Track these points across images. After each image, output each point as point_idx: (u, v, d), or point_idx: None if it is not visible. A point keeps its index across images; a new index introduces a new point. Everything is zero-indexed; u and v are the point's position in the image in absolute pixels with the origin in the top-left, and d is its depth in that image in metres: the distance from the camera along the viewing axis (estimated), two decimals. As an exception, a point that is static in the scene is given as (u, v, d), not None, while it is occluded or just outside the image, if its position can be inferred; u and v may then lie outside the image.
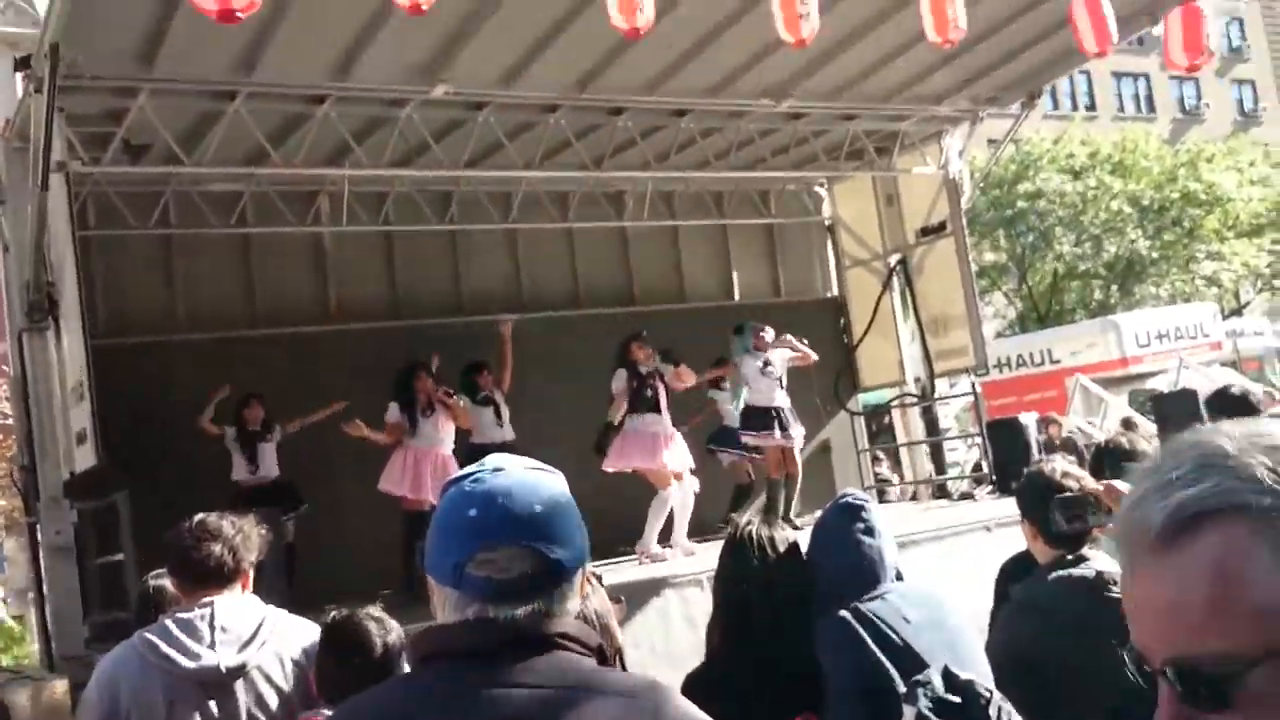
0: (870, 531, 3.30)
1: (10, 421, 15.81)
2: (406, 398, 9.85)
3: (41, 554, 9.22)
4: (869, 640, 3.18)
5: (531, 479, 1.80)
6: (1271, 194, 34.59)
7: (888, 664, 3.16)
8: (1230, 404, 6.61)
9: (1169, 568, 1.00)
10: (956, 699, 2.91)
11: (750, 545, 3.43)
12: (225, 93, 9.35)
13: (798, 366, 10.83)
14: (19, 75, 8.84)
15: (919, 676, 3.01)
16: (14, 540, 23.26)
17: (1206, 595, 0.97)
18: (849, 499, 3.39)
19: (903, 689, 3.08)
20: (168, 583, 3.82)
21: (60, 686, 7.38)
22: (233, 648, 3.39)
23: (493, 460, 1.84)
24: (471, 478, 1.80)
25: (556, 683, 1.69)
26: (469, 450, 10.00)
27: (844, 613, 3.20)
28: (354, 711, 1.91)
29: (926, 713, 2.92)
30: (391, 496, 9.88)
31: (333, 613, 3.46)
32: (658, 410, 9.94)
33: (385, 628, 3.36)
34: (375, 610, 3.40)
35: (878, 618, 3.18)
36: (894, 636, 3.19)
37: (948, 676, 2.98)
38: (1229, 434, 1.02)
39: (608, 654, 1.80)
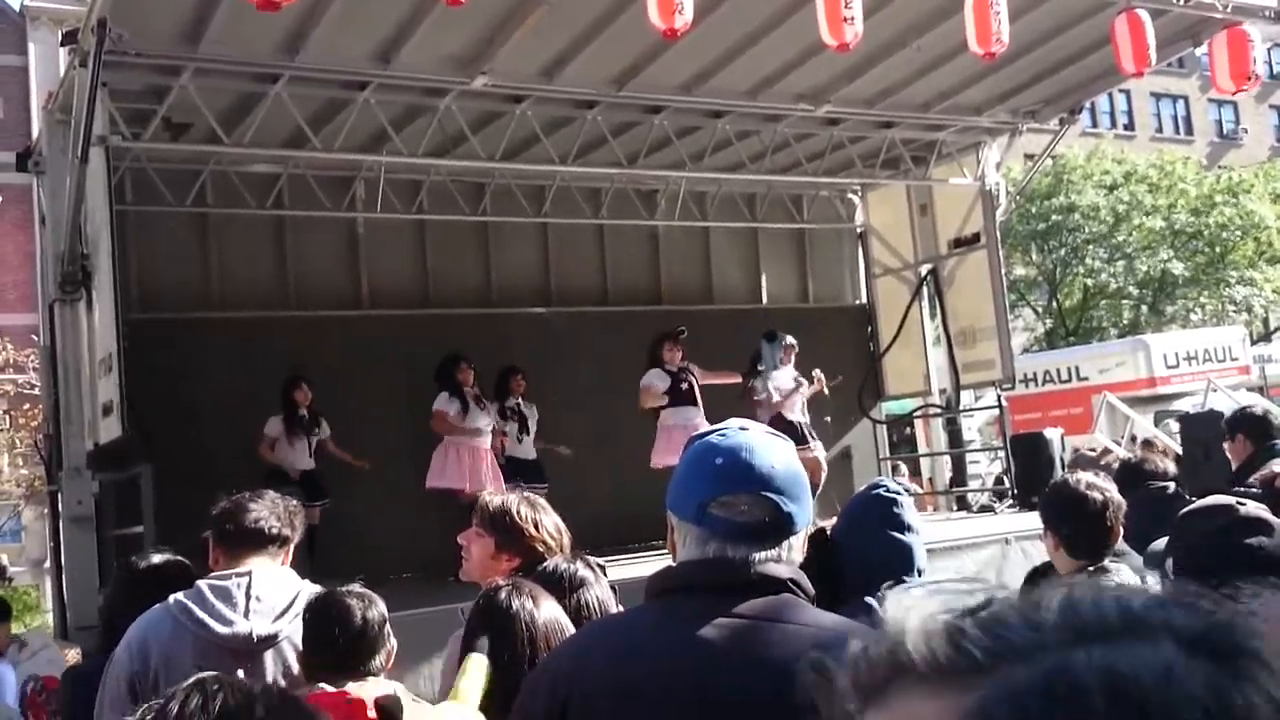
0: (901, 528, 3.22)
1: (38, 391, 15.98)
2: (453, 386, 9.90)
3: (61, 523, 9.28)
4: None
5: (772, 441, 1.98)
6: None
7: None
8: (1251, 422, 6.62)
9: None
10: None
11: None
12: (268, 75, 9.41)
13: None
14: (65, 49, 8.94)
15: None
16: (32, 509, 23.45)
17: None
18: (881, 490, 3.29)
19: None
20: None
21: (74, 655, 7.44)
22: (267, 617, 3.44)
23: (736, 421, 2.03)
24: (719, 432, 1.99)
25: (792, 619, 1.84)
26: None
27: (869, 599, 3.15)
28: (597, 631, 2.09)
29: None
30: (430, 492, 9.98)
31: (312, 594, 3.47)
32: (694, 404, 9.97)
33: (366, 601, 3.31)
34: (357, 587, 3.39)
35: None
36: None
37: None
38: None
39: None
